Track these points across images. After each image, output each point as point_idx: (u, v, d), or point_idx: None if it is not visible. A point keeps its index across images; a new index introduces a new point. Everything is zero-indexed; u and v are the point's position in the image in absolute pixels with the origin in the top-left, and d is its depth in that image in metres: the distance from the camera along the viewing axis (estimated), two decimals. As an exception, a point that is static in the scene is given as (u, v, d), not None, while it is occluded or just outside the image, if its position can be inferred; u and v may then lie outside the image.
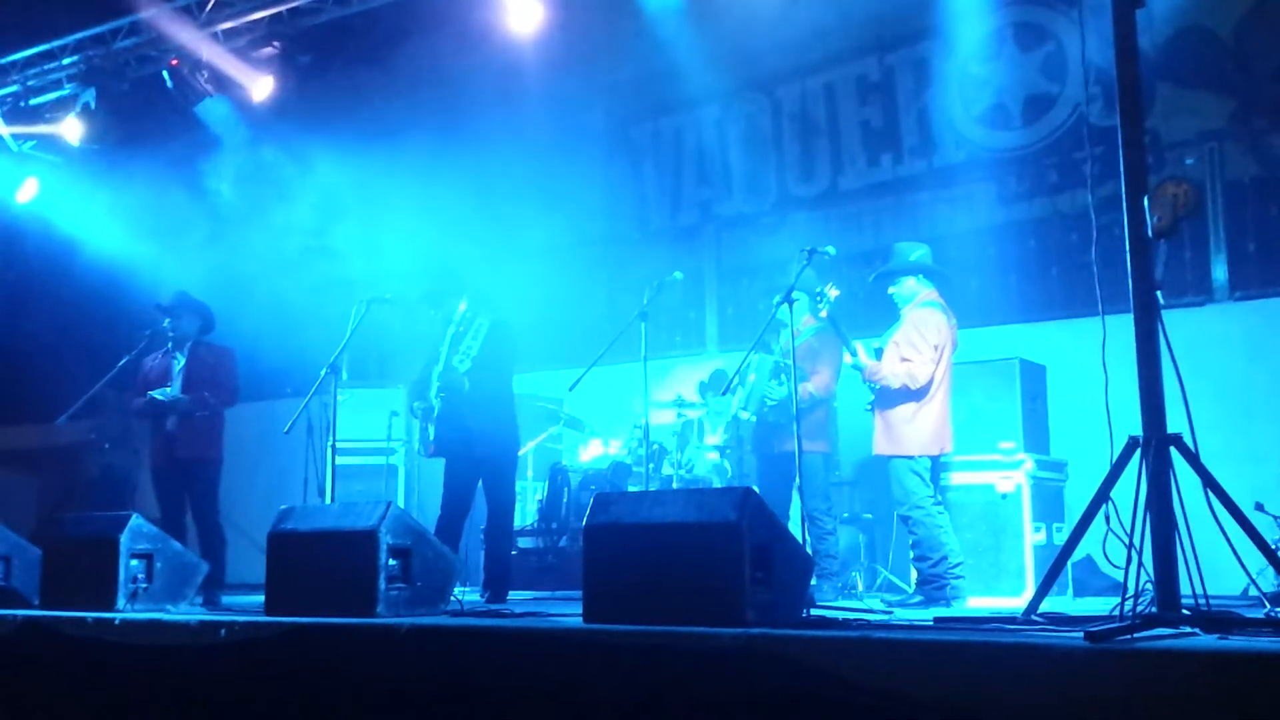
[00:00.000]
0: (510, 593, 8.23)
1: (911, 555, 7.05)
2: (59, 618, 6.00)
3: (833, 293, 7.07)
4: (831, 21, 10.14)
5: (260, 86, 10.57)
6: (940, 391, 7.06)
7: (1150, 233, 4.43)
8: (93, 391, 8.44)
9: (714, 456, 8.60)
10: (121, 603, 6.29)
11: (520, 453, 9.60)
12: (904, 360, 6.98)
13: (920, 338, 6.99)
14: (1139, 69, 4.61)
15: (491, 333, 7.58)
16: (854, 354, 7.08)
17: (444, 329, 7.75)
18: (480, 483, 7.68)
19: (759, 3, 9.80)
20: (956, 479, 7.61)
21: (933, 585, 6.82)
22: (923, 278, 7.24)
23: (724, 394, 7.51)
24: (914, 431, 7.00)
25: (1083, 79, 9.12)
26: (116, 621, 5.75)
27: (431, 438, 7.61)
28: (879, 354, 7.16)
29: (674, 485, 8.31)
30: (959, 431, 7.65)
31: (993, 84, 9.67)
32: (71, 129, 11.18)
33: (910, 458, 6.99)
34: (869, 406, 7.23)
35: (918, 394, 6.99)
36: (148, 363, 8.41)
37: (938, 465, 7.22)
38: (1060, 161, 9.33)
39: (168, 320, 8.31)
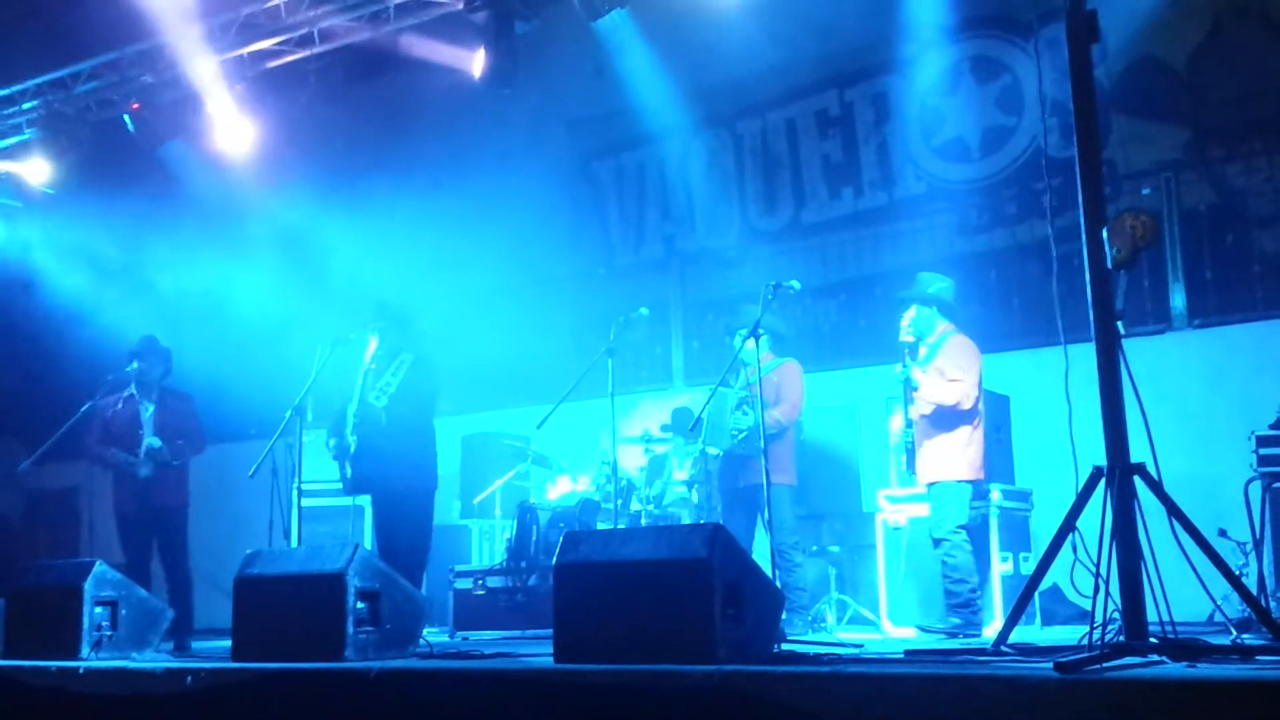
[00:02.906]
0: (480, 632, 8.20)
1: (946, 581, 6.91)
2: (22, 667, 5.92)
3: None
4: (791, 57, 10.24)
5: (240, 135, 10.54)
6: (981, 420, 7.13)
7: (1110, 264, 4.48)
8: (55, 438, 8.38)
9: (682, 491, 8.59)
10: (86, 651, 6.21)
11: (488, 492, 9.60)
12: (953, 381, 6.96)
13: (966, 361, 7.03)
14: (1095, 101, 4.67)
15: (413, 368, 7.53)
16: (906, 366, 7.03)
17: (358, 365, 7.66)
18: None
19: (720, 39, 9.88)
20: (924, 511, 7.63)
21: (970, 609, 6.79)
22: (938, 310, 7.24)
23: (690, 430, 7.53)
24: (969, 456, 7.01)
25: (1039, 111, 9.21)
26: (81, 670, 5.68)
27: (349, 475, 7.55)
28: (907, 382, 7.09)
29: (643, 521, 8.29)
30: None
31: (950, 117, 9.78)
32: (34, 170, 11.15)
33: (963, 482, 6.98)
34: (907, 438, 7.16)
35: (968, 416, 7.00)
36: (106, 408, 8.33)
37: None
38: (1019, 193, 9.43)
39: (135, 364, 8.26)
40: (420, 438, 7.59)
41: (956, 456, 6.99)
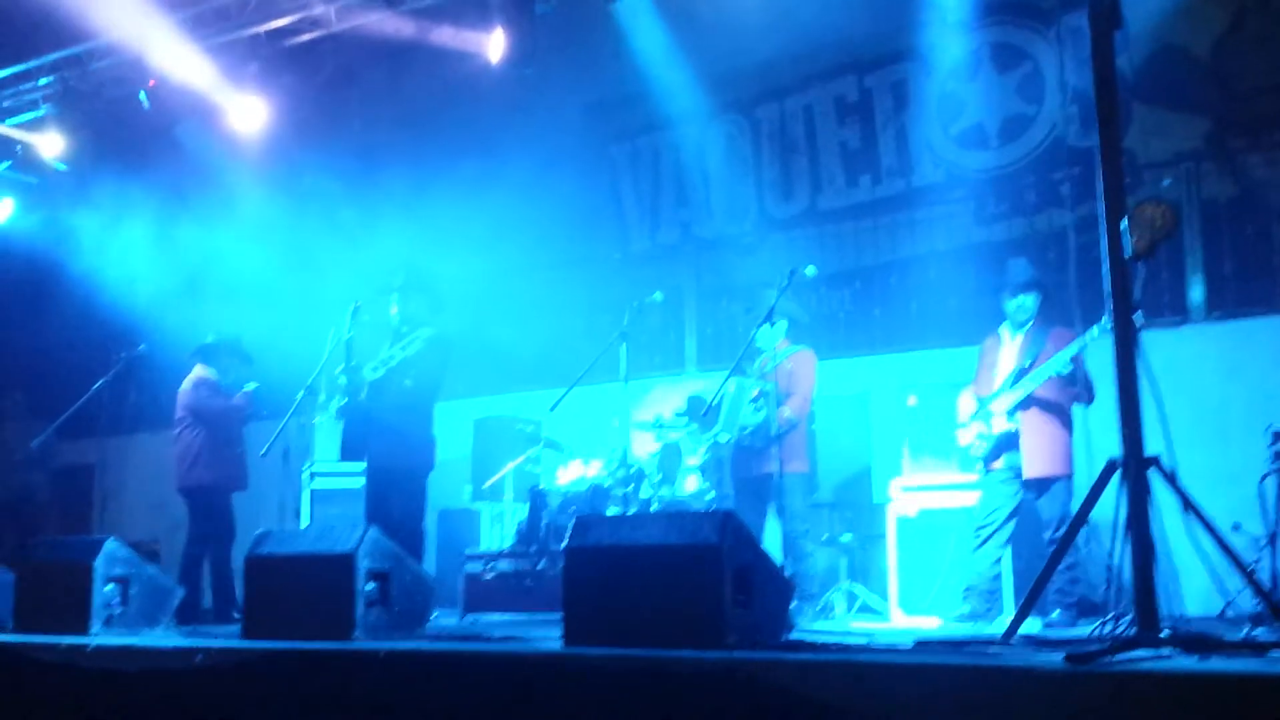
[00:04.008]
0: (489, 615, 8.20)
1: (1065, 579, 6.60)
2: (31, 643, 5.93)
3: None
4: (810, 43, 10.18)
5: (252, 115, 10.55)
6: None
7: (1128, 255, 4.44)
8: (66, 415, 8.41)
9: (694, 478, 8.58)
10: (95, 627, 6.22)
11: (499, 475, 9.59)
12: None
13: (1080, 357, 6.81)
14: (1116, 91, 4.62)
15: (427, 345, 7.36)
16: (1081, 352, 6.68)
17: (370, 345, 7.55)
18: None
19: (738, 24, 9.84)
20: (936, 501, 7.62)
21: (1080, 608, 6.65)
22: (1039, 299, 7.04)
23: (704, 417, 7.51)
24: (1071, 452, 6.84)
25: (1060, 99, 9.19)
26: (90, 647, 5.68)
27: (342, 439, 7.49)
28: (1022, 374, 6.87)
29: (654, 507, 8.28)
30: (941, 453, 7.68)
31: (970, 104, 9.72)
32: (49, 146, 11.18)
33: (1071, 478, 6.81)
34: (1011, 427, 6.89)
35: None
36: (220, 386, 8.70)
37: None
38: (1038, 181, 9.37)
39: (143, 346, 8.51)
40: (411, 415, 7.41)
41: (1065, 451, 6.80)
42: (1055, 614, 6.64)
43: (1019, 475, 6.88)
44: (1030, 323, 7.02)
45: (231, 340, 8.80)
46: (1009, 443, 6.91)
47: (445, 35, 10.06)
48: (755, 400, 7.51)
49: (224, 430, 8.54)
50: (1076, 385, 6.66)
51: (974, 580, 6.87)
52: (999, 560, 6.90)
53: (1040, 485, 6.82)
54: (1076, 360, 6.61)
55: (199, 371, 8.74)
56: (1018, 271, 7.12)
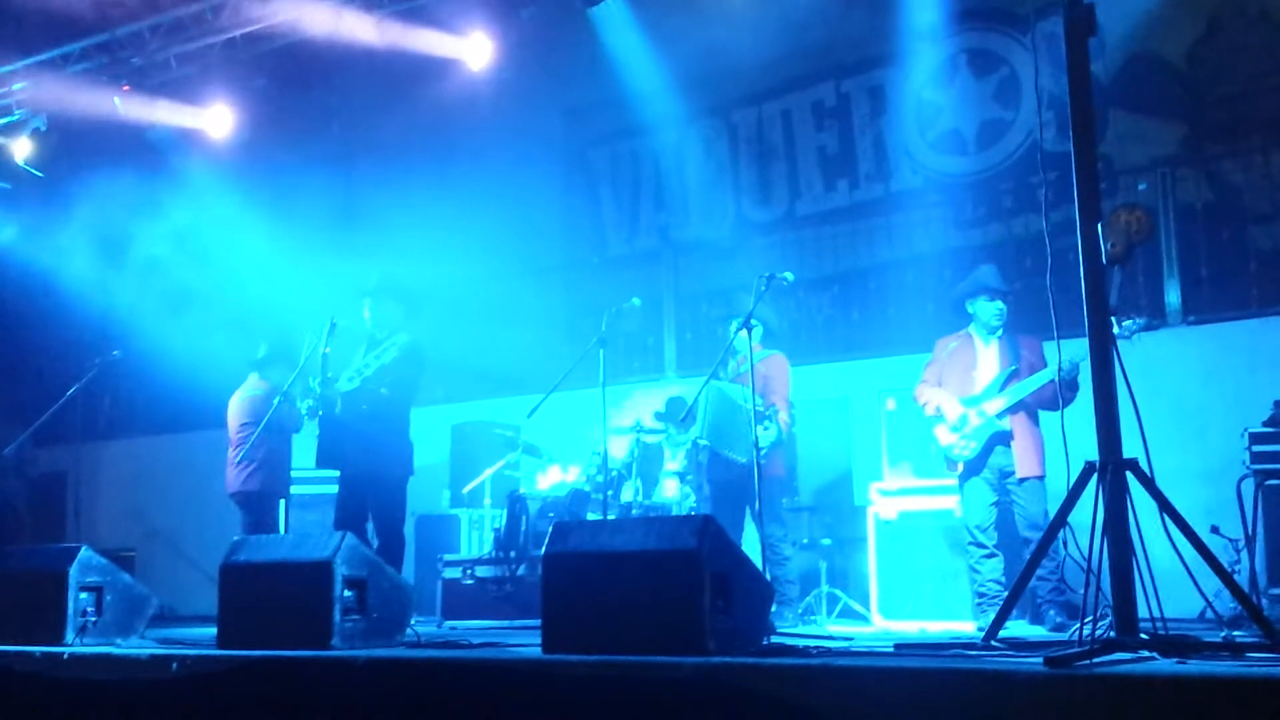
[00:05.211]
0: (468, 622, 8.16)
1: (1050, 584, 6.67)
2: (5, 652, 5.88)
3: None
4: (788, 48, 10.19)
5: (219, 122, 10.51)
6: None
7: (1104, 259, 4.45)
8: (39, 422, 8.35)
9: (673, 483, 8.57)
10: (70, 637, 6.17)
11: (477, 481, 9.55)
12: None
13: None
14: (1091, 96, 4.64)
15: (402, 354, 7.22)
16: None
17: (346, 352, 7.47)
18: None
19: (716, 29, 9.85)
20: (915, 504, 7.62)
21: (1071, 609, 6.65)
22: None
23: (682, 420, 7.48)
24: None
25: (1036, 105, 9.21)
26: (65, 656, 5.64)
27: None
28: (1012, 377, 6.91)
29: (633, 512, 8.26)
30: (918, 457, 7.68)
31: (947, 110, 9.76)
32: (24, 150, 11.12)
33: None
34: (996, 428, 6.91)
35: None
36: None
37: None
38: (1015, 186, 9.41)
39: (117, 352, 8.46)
40: (388, 422, 7.33)
41: (1042, 453, 6.87)
42: (1053, 614, 6.63)
43: (1002, 477, 6.93)
44: (1001, 329, 7.07)
45: (283, 349, 8.73)
46: (995, 444, 6.93)
47: (424, 40, 10.03)
48: (761, 421, 7.34)
49: (290, 440, 8.59)
50: (1074, 391, 6.56)
51: (989, 588, 6.81)
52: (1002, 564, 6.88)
53: (1026, 484, 6.85)
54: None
55: (258, 384, 8.70)
56: (995, 278, 7.15)
